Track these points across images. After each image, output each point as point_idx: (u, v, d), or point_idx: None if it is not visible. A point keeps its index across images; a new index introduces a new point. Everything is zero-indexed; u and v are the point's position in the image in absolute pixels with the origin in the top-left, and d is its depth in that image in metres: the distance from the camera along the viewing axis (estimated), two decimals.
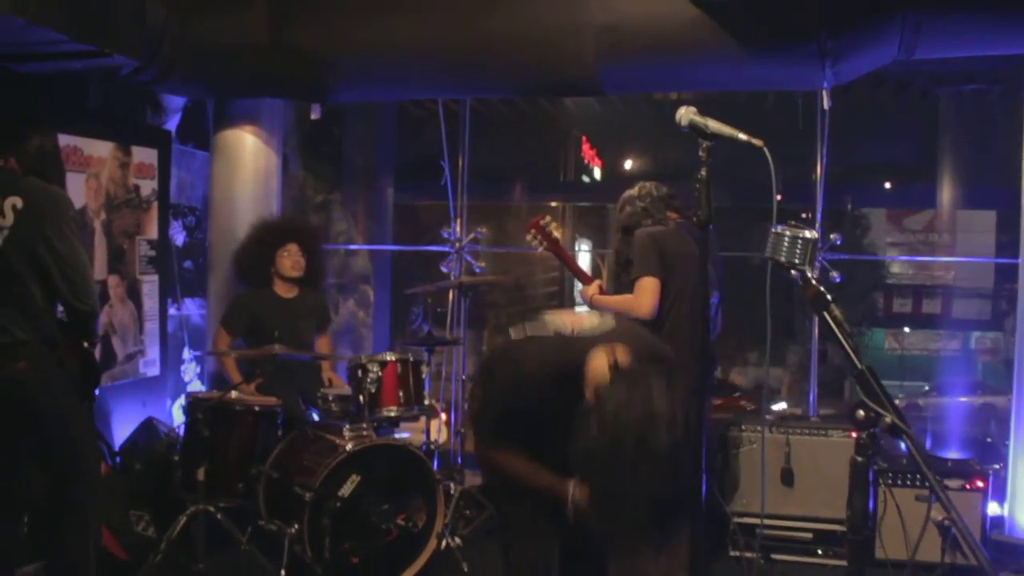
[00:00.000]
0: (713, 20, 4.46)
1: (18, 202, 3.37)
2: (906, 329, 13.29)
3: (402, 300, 8.66)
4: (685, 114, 2.47)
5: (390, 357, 4.66)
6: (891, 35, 4.32)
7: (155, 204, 5.67)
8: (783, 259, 2.32)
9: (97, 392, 3.72)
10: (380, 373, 4.57)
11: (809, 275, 2.29)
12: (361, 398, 4.53)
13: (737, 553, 4.71)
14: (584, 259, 13.95)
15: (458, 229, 6.40)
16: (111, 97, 5.50)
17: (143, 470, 4.76)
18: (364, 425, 4.45)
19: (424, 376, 4.77)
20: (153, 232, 5.66)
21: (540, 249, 4.58)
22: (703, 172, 2.38)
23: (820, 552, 4.73)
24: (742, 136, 2.38)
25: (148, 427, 5.14)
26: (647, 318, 3.97)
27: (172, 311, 6.06)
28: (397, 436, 4.76)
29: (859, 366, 2.14)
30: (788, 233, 2.32)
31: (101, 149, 5.20)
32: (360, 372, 4.56)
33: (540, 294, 13.56)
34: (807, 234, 2.31)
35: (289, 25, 5.07)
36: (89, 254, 4.81)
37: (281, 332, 4.66)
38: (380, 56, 5.05)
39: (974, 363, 12.35)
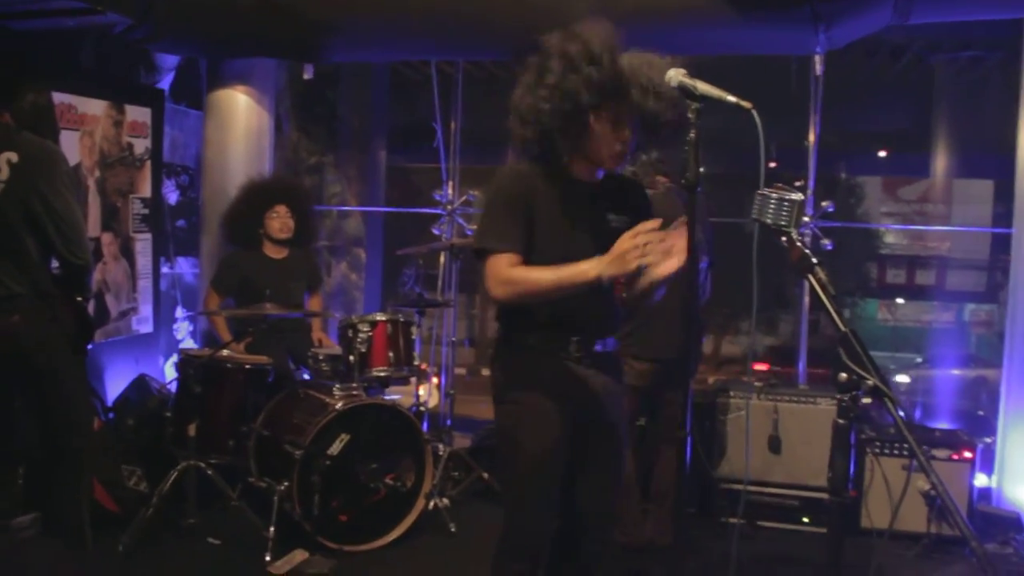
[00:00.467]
0: None
1: (13, 157, 3.38)
2: (899, 300, 13.29)
3: (394, 262, 8.66)
4: (674, 75, 2.44)
5: (380, 317, 4.68)
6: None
7: (148, 163, 5.66)
8: (769, 221, 2.32)
9: (90, 347, 3.73)
10: (370, 333, 4.59)
11: (794, 237, 2.30)
12: (351, 358, 4.55)
13: (724, 519, 4.77)
14: None
15: (450, 192, 6.40)
16: (105, 55, 5.48)
17: (135, 426, 4.79)
18: (354, 385, 4.48)
19: (414, 337, 4.79)
20: (146, 190, 5.65)
21: None
22: (692, 134, 2.37)
23: (806, 520, 4.77)
24: (731, 98, 2.35)
25: (140, 384, 5.16)
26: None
27: (165, 269, 6.07)
28: (387, 398, 4.80)
29: (843, 328, 2.15)
30: (774, 195, 2.33)
31: (95, 107, 5.18)
32: (350, 332, 4.58)
33: None
34: (793, 196, 2.32)
35: None
36: (83, 211, 4.80)
37: (272, 292, 4.67)
38: (373, 16, 5.02)
39: (968, 335, 12.36)
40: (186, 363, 4.48)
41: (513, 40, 5.01)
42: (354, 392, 4.42)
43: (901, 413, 2.06)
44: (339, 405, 4.22)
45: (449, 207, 6.34)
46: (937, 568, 4.32)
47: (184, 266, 6.40)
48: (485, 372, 10.99)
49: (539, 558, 2.76)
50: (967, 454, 4.62)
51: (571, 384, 2.71)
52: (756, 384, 4.95)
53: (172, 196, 6.26)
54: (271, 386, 4.65)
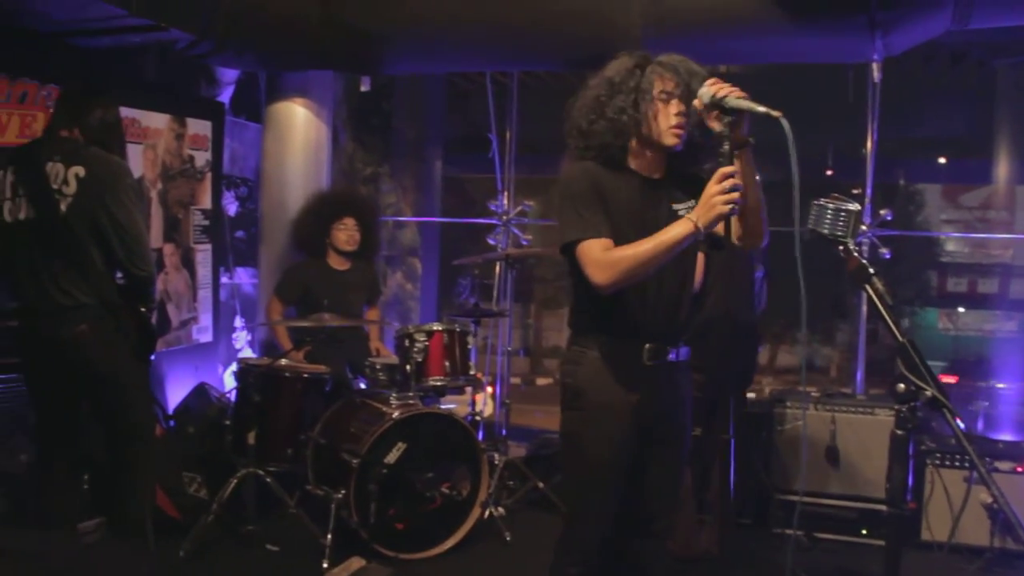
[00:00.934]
0: None
1: (81, 171, 3.48)
2: (960, 309, 13.04)
3: (449, 272, 8.72)
4: (706, 91, 2.47)
5: (437, 327, 4.72)
6: (944, 4, 4.23)
7: (209, 174, 5.77)
8: (826, 231, 2.32)
9: (153, 357, 3.82)
10: (427, 343, 4.63)
11: (851, 247, 2.29)
12: (408, 367, 4.59)
13: (780, 530, 4.72)
14: None
15: (505, 202, 6.43)
16: (167, 70, 5.60)
17: (195, 433, 4.87)
18: (411, 394, 4.52)
19: (470, 347, 4.82)
20: (207, 202, 5.77)
21: None
22: (726, 146, 2.40)
23: (864, 532, 4.70)
24: (760, 108, 2.36)
25: (201, 392, 5.26)
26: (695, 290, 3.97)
27: (224, 279, 6.18)
28: (443, 407, 4.84)
29: (900, 339, 2.14)
30: (831, 205, 2.32)
31: (158, 121, 5.30)
32: (407, 342, 4.63)
33: None
34: (850, 206, 2.31)
35: None
36: (146, 223, 4.93)
37: (331, 303, 4.74)
38: (429, 28, 5.07)
39: None
40: (246, 372, 4.55)
41: (568, 51, 5.07)
42: (411, 401, 4.46)
43: (961, 424, 2.04)
44: (396, 414, 4.26)
45: (504, 217, 6.37)
46: None
47: (243, 276, 6.51)
48: (540, 382, 11.01)
49: (594, 562, 2.78)
50: None
51: (642, 392, 2.71)
52: (813, 394, 4.90)
53: (231, 207, 6.37)
54: (329, 395, 4.72)
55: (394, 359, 4.85)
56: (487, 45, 5.13)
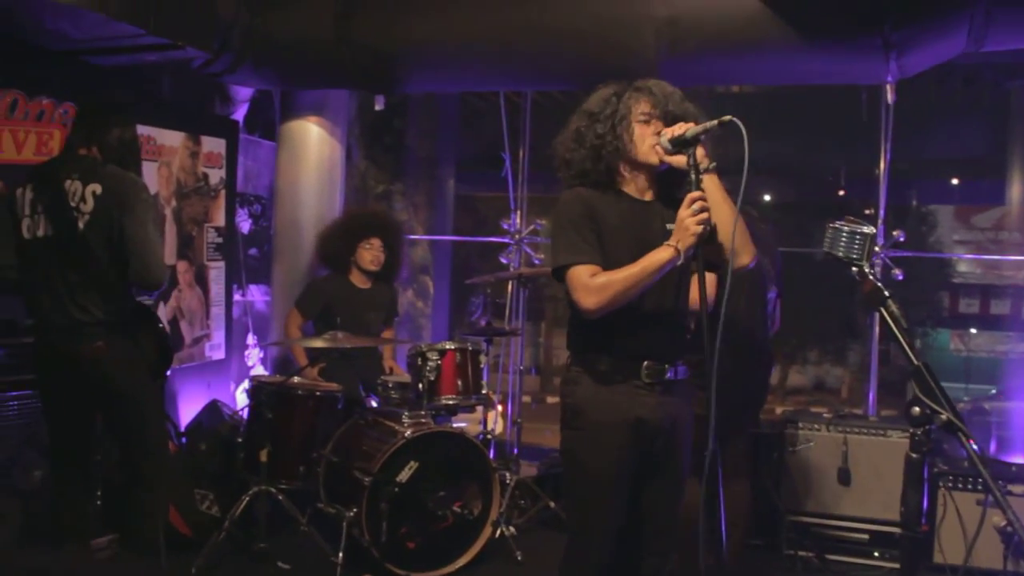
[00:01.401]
0: (775, 12, 4.43)
1: (98, 188, 3.50)
2: (973, 330, 12.99)
3: (461, 291, 8.73)
4: (664, 140, 2.62)
5: (449, 346, 4.72)
6: (960, 25, 4.23)
7: (223, 192, 5.81)
8: (840, 254, 2.32)
9: (168, 373, 3.83)
10: (439, 362, 4.63)
11: (866, 270, 2.29)
12: (420, 386, 4.60)
13: (792, 552, 4.70)
14: None
15: (518, 220, 6.45)
16: (182, 88, 5.65)
17: (207, 450, 4.86)
18: (423, 412, 4.52)
19: (483, 366, 4.82)
20: (220, 219, 5.80)
21: None
22: (692, 175, 2.55)
23: (876, 554, 4.68)
24: (713, 123, 2.49)
25: (213, 409, 5.27)
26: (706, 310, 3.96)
27: (237, 297, 6.20)
28: (454, 425, 4.84)
29: (915, 362, 2.14)
30: (846, 228, 2.33)
31: (173, 139, 5.34)
32: (420, 360, 4.63)
33: None
34: (865, 229, 2.32)
35: (355, 18, 5.15)
36: (162, 240, 4.96)
37: (350, 321, 4.77)
38: (444, 48, 5.10)
39: None
40: (258, 389, 4.57)
41: (582, 72, 5.09)
42: (423, 420, 4.46)
43: (975, 447, 2.03)
44: (408, 433, 4.26)
45: (517, 236, 6.39)
46: None
47: (256, 294, 6.53)
48: (551, 400, 10.98)
49: None
50: None
51: (640, 410, 2.73)
52: (825, 415, 4.89)
53: (245, 225, 6.40)
54: (341, 413, 4.73)
55: (406, 377, 4.85)
56: (501, 65, 5.15)
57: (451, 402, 4.68)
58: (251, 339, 6.40)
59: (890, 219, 5.62)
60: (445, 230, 8.10)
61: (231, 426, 5.02)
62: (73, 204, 3.49)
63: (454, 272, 8.21)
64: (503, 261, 6.43)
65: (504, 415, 6.19)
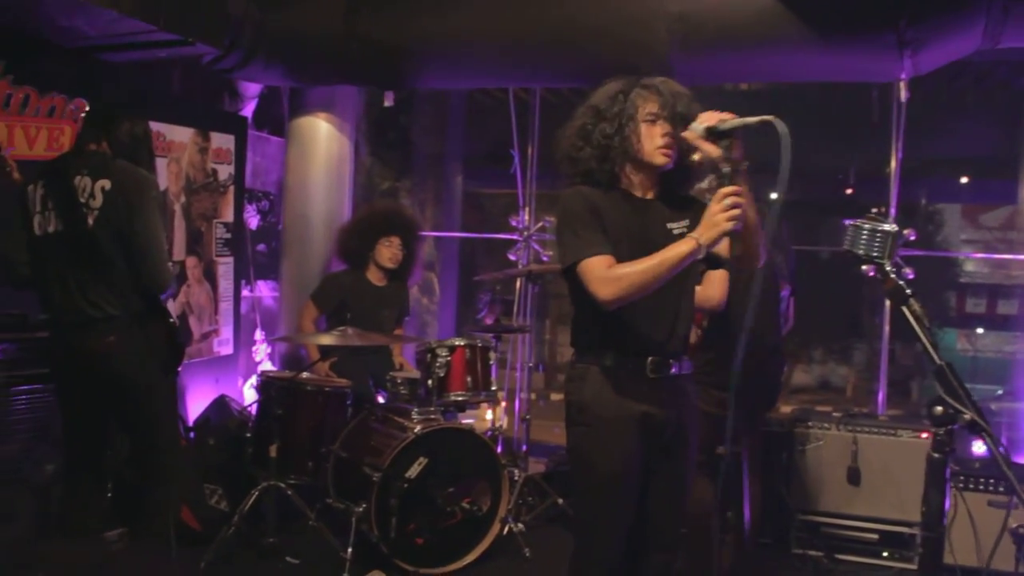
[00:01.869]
0: (788, 8, 4.41)
1: (107, 184, 3.49)
2: (979, 330, 12.94)
3: (467, 287, 8.72)
4: (698, 126, 2.53)
5: (459, 342, 4.72)
6: (976, 21, 4.20)
7: (231, 188, 5.80)
8: (861, 252, 2.30)
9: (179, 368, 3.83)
10: (449, 358, 4.63)
11: (888, 269, 2.27)
12: (430, 382, 4.59)
13: (800, 551, 4.69)
14: None
15: (527, 217, 6.44)
16: (191, 84, 5.64)
17: (216, 445, 4.87)
18: (432, 409, 4.51)
19: (491, 362, 4.82)
20: (229, 215, 5.79)
21: None
22: (725, 168, 2.47)
23: (886, 554, 4.67)
24: (752, 120, 2.41)
25: (221, 404, 5.26)
26: (718, 308, 3.94)
27: (245, 292, 6.20)
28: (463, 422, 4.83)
29: (938, 361, 2.12)
30: (867, 226, 2.30)
31: (182, 135, 5.33)
32: (429, 356, 4.63)
33: None
34: (886, 227, 2.29)
35: (364, 13, 5.14)
36: (169, 236, 4.96)
37: (363, 317, 4.77)
38: (453, 44, 5.09)
39: None
40: (268, 385, 4.56)
41: (593, 69, 5.07)
42: (432, 416, 4.45)
43: (1002, 449, 2.01)
44: (418, 429, 4.26)
45: (525, 232, 6.38)
46: None
47: (264, 289, 6.53)
48: (555, 397, 10.96)
49: None
50: None
51: (646, 406, 2.73)
52: (835, 414, 4.87)
53: (253, 221, 6.39)
54: (350, 408, 4.72)
55: (415, 373, 4.85)
56: (512, 62, 5.14)
57: (460, 398, 4.67)
58: (259, 335, 6.39)
59: (900, 218, 5.60)
60: (452, 227, 8.09)
61: (239, 421, 5.02)
62: (82, 200, 3.49)
63: (460, 269, 8.19)
64: (511, 258, 6.41)
65: (507, 411, 6.18)
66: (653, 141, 2.68)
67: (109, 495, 4.06)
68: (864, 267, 2.33)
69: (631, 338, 2.72)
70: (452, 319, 8.11)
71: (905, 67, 4.41)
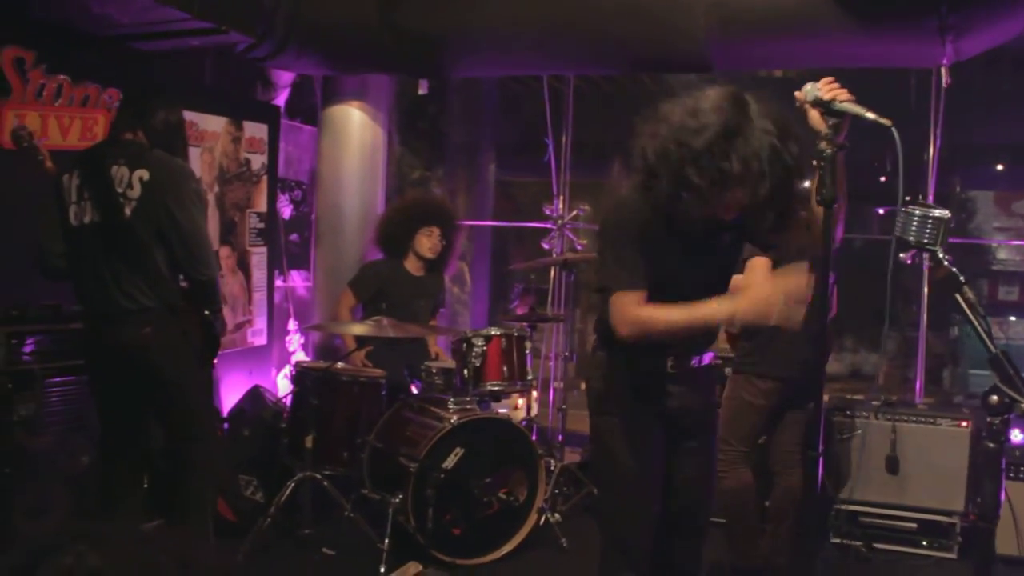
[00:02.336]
0: None
1: (145, 174, 3.47)
2: (1012, 318, 12.81)
3: (498, 277, 8.70)
4: (812, 90, 2.39)
5: (495, 332, 4.70)
6: (1018, 6, 4.13)
7: (264, 178, 5.79)
8: (912, 239, 2.26)
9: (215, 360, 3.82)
10: (485, 348, 4.61)
11: (940, 255, 2.22)
12: (466, 372, 4.58)
13: (839, 540, 4.65)
14: None
15: (560, 206, 6.40)
16: (224, 74, 5.64)
17: (250, 436, 4.88)
18: (468, 399, 4.50)
19: (527, 352, 4.80)
20: (262, 205, 5.79)
21: None
22: (826, 148, 2.32)
23: (925, 543, 4.63)
24: (870, 115, 2.30)
25: (255, 395, 5.27)
26: None
27: (278, 282, 6.20)
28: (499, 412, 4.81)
29: (993, 350, 2.08)
30: (918, 212, 2.26)
31: (215, 124, 5.33)
32: (465, 346, 4.61)
33: None
34: (937, 213, 2.25)
35: (399, 1, 5.11)
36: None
37: (400, 307, 4.76)
38: (488, 32, 5.06)
39: None
40: (303, 375, 4.56)
41: (631, 55, 5.03)
42: (468, 406, 4.44)
43: None
44: (454, 419, 4.24)
45: (559, 221, 6.35)
46: None
47: (297, 279, 6.53)
48: (583, 386, 10.95)
49: (644, 567, 2.78)
50: None
51: (666, 398, 2.74)
52: (873, 403, 4.83)
53: (286, 211, 6.39)
54: (386, 398, 4.71)
55: (451, 363, 4.83)
56: (548, 49, 5.09)
57: (496, 388, 4.67)
58: (292, 325, 6.40)
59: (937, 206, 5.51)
60: (485, 216, 8.06)
61: (274, 412, 5.02)
62: (120, 190, 3.46)
63: (492, 258, 8.17)
64: (544, 247, 6.39)
65: (537, 401, 6.17)
66: (730, 212, 2.50)
67: (145, 487, 4.07)
68: (902, 255, 2.28)
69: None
70: (484, 309, 8.09)
71: (947, 53, 4.34)
